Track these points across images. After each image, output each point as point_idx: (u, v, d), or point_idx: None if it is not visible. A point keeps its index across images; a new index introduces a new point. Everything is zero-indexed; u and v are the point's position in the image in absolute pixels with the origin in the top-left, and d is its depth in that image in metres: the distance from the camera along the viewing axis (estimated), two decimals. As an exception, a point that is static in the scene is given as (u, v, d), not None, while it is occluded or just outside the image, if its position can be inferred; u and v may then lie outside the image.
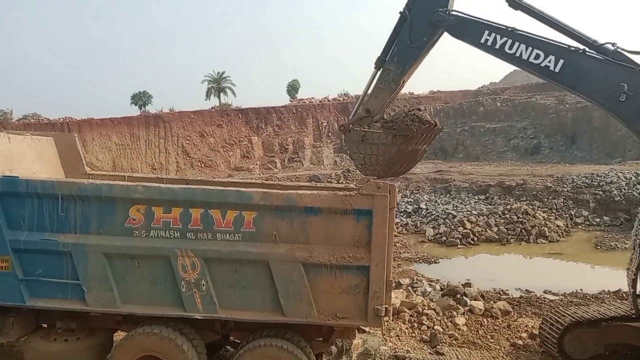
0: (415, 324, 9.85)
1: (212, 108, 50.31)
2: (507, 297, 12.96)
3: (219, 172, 41.97)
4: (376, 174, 7.52)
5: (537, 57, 7.03)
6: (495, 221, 22.88)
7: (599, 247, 20.46)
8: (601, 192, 25.30)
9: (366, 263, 5.70)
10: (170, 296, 5.88)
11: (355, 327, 6.88)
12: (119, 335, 6.85)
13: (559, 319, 8.31)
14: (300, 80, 58.34)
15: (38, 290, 5.98)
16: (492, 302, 11.67)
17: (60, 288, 5.94)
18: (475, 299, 11.48)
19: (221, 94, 57.73)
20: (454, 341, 9.24)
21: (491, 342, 9.24)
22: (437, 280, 14.68)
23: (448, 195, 30.45)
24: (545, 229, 22.06)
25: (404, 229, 24.15)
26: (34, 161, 7.47)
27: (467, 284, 12.86)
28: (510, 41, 7.14)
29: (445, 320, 10.09)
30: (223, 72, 57.82)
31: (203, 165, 43.42)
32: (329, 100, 50.50)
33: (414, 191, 32.00)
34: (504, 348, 9.02)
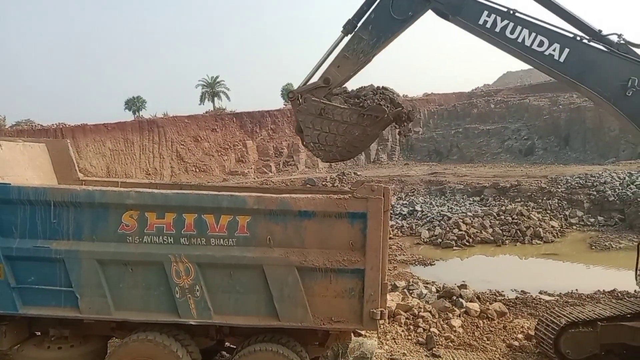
0: (412, 327, 9.84)
1: (206, 112, 50.25)
2: (502, 298, 12.98)
3: (214, 176, 41.90)
4: (329, 157, 7.01)
5: (540, 44, 6.60)
6: (490, 222, 22.93)
7: (593, 247, 20.54)
8: (595, 193, 25.42)
9: (361, 266, 5.68)
10: (164, 302, 5.84)
11: (351, 331, 6.86)
12: (113, 343, 6.80)
13: (554, 320, 8.32)
14: (295, 84, 58.27)
15: (31, 297, 5.92)
16: (487, 303, 11.68)
17: (53, 295, 5.88)
18: (471, 301, 11.48)
19: (215, 99, 57.75)
20: (450, 343, 9.23)
21: (487, 344, 9.24)
22: (432, 282, 14.68)
23: (443, 197, 30.52)
24: (540, 229, 22.14)
25: (399, 231, 24.17)
26: (26, 168, 7.42)
27: (463, 286, 12.86)
28: (512, 24, 6.65)
29: (441, 322, 10.08)
30: (217, 77, 57.83)
31: (198, 170, 43.32)
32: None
33: (409, 193, 32.05)
34: (500, 349, 9.02)
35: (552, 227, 22.98)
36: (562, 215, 24.67)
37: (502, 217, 23.38)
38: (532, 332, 9.21)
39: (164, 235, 5.73)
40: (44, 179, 7.70)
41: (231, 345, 7.01)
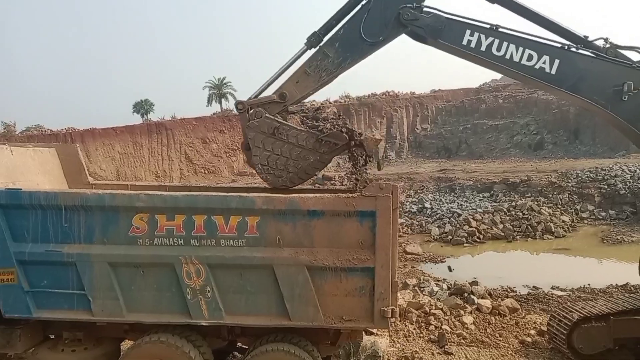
0: (423, 324, 9.82)
1: (213, 114, 50.38)
2: (514, 294, 12.91)
3: (223, 177, 42.03)
4: (278, 183, 6.52)
5: (530, 58, 6.34)
6: (501, 218, 22.84)
7: (605, 241, 20.39)
8: (606, 186, 25.24)
9: (371, 265, 5.67)
10: (176, 303, 5.87)
11: (362, 330, 6.85)
12: (126, 344, 6.85)
13: (567, 315, 8.27)
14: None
15: (44, 301, 5.97)
16: (499, 299, 11.63)
17: (66, 299, 5.93)
18: (482, 297, 11.44)
19: (222, 100, 57.90)
20: (462, 340, 9.21)
21: (500, 340, 9.20)
22: (444, 279, 14.66)
23: (452, 193, 30.43)
24: (551, 224, 22.01)
25: (409, 229, 24.12)
26: (36, 173, 7.48)
27: (474, 283, 12.84)
28: (497, 41, 6.34)
29: (453, 319, 10.05)
30: (224, 78, 57.96)
31: (206, 172, 43.47)
32: (330, 103, 50.45)
33: (418, 191, 31.98)
34: (513, 346, 8.98)
35: (563, 221, 22.84)
36: (573, 210, 24.52)
37: (513, 212, 23.28)
38: (544, 328, 9.16)
39: (174, 237, 5.76)
40: (55, 184, 7.76)
41: (243, 346, 7.04)
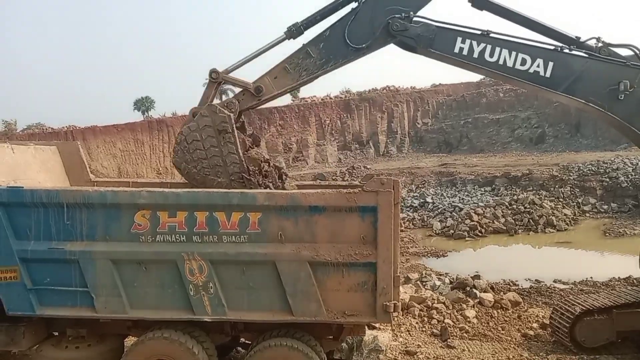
0: (426, 319, 9.84)
1: (214, 110, 50.31)
2: (516, 287, 12.93)
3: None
4: (189, 176, 6.49)
5: (523, 62, 6.24)
6: (503, 212, 22.82)
7: (607, 234, 20.38)
8: (608, 179, 25.20)
9: (373, 260, 5.68)
10: (178, 300, 5.89)
11: (365, 324, 6.87)
12: (129, 341, 6.88)
13: (569, 308, 8.29)
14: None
15: (47, 299, 6.00)
16: (501, 293, 11.64)
17: (69, 296, 5.95)
18: (484, 291, 11.45)
19: (223, 96, 57.70)
20: (464, 334, 9.22)
21: (502, 334, 9.22)
22: (446, 273, 14.67)
23: (454, 188, 30.42)
24: (553, 218, 21.99)
25: (411, 224, 24.12)
26: (38, 171, 7.49)
27: (476, 276, 12.84)
28: (489, 47, 6.25)
29: (455, 313, 10.07)
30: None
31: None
32: (330, 98, 50.42)
33: (420, 185, 31.98)
34: (515, 339, 8.99)
35: (565, 215, 22.82)
36: (574, 203, 24.49)
37: (514, 206, 23.26)
38: (547, 321, 9.17)
39: (176, 234, 5.77)
40: (56, 181, 7.78)
41: (246, 341, 7.06)
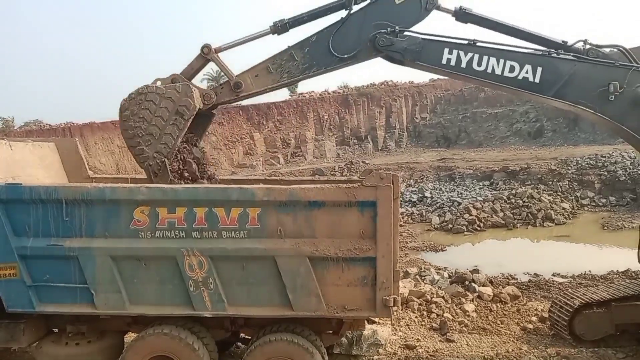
0: (425, 313, 9.87)
1: (212, 106, 50.25)
2: (515, 281, 12.97)
3: (223, 170, 41.95)
4: (124, 124, 6.37)
5: (512, 69, 6.23)
6: (501, 206, 22.85)
7: (606, 227, 20.42)
8: (606, 173, 25.23)
9: (372, 254, 5.69)
10: (178, 296, 5.90)
11: (365, 319, 6.90)
12: (129, 337, 6.88)
13: (568, 302, 8.31)
14: (293, 81, 58.23)
15: (47, 295, 6.00)
16: (500, 287, 11.68)
17: (68, 292, 5.96)
18: (483, 285, 11.49)
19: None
20: (464, 328, 9.25)
21: (501, 327, 9.24)
22: (445, 268, 14.71)
23: (452, 182, 30.44)
24: (552, 212, 22.03)
25: (409, 218, 24.15)
26: (36, 167, 7.48)
27: (475, 270, 12.89)
28: (477, 56, 6.25)
29: (455, 307, 10.09)
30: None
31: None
32: (329, 93, 50.31)
33: (418, 180, 31.99)
34: (514, 333, 9.02)
35: (564, 209, 22.86)
36: (573, 197, 24.53)
37: (513, 200, 23.29)
38: (545, 315, 9.20)
39: (175, 230, 5.77)
40: (55, 178, 7.77)
41: (246, 337, 7.08)
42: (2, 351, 6.74)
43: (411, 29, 6.47)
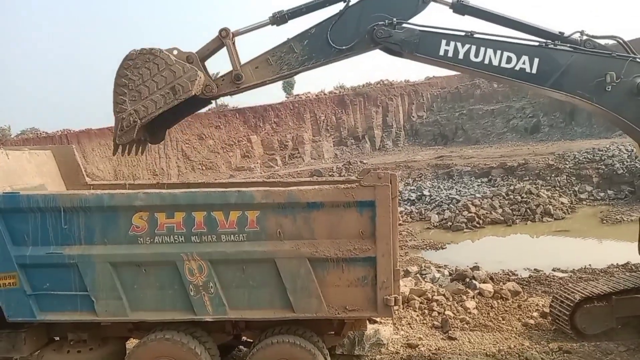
0: (426, 311, 9.87)
1: (209, 110, 50.05)
2: (516, 277, 12.95)
3: (221, 173, 41.98)
4: (119, 74, 6.40)
5: (509, 60, 6.29)
6: (500, 203, 22.84)
7: (604, 221, 20.42)
8: (604, 166, 25.23)
9: (372, 254, 5.69)
10: (179, 301, 5.89)
11: (366, 319, 6.89)
12: (131, 343, 6.88)
13: (569, 296, 8.32)
14: (295, 77, 58.36)
15: (47, 304, 5.99)
16: (501, 283, 11.67)
17: (69, 300, 5.95)
18: (484, 282, 11.49)
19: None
20: (465, 325, 9.26)
21: (503, 324, 9.25)
22: (445, 265, 14.69)
23: (450, 180, 30.42)
24: (550, 207, 22.01)
25: (408, 217, 24.15)
26: (33, 176, 7.46)
27: (476, 267, 12.89)
28: (474, 48, 6.30)
29: (456, 305, 10.10)
30: (217, 73, 56.88)
31: (204, 168, 43.40)
32: (325, 94, 50.32)
33: (416, 179, 31.98)
34: (516, 328, 9.03)
35: (562, 203, 22.85)
36: (571, 191, 24.52)
37: (511, 196, 23.27)
38: (547, 310, 9.21)
39: (174, 235, 5.77)
40: (52, 186, 7.75)
41: (248, 339, 7.07)
42: (4, 361, 6.73)
43: (410, 21, 6.51)
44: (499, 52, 6.31)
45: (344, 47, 6.51)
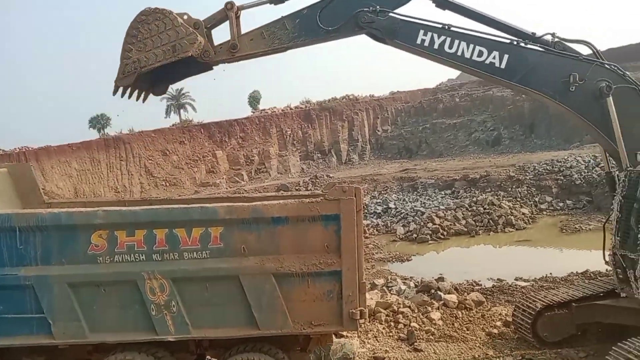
0: (392, 323, 9.91)
1: (172, 125, 49.62)
2: (479, 287, 13.17)
3: (185, 189, 41.38)
4: (133, 24, 6.96)
5: (480, 54, 6.69)
6: (463, 214, 23.20)
7: (564, 230, 20.97)
8: (562, 177, 25.95)
9: (337, 268, 5.70)
10: (140, 320, 5.76)
11: (332, 333, 6.86)
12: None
13: (530, 305, 8.48)
14: (261, 91, 58.28)
15: (1, 328, 5.76)
16: (465, 294, 11.83)
17: (24, 323, 5.75)
18: (449, 293, 11.62)
19: (181, 111, 57.13)
20: (430, 336, 9.33)
21: (467, 334, 9.36)
22: (411, 277, 14.79)
23: (415, 192, 30.76)
24: (512, 217, 22.49)
25: (375, 230, 24.28)
26: (-13, 195, 7.21)
27: (440, 279, 13.02)
28: (449, 40, 6.74)
29: (421, 316, 10.18)
30: (181, 89, 56.88)
31: (168, 184, 42.71)
32: (291, 109, 50.44)
33: (382, 192, 32.22)
34: (480, 338, 9.15)
35: (523, 214, 23.38)
36: (532, 202, 25.10)
37: (474, 208, 23.68)
38: (510, 319, 9.36)
39: (135, 253, 5.66)
40: (8, 205, 7.49)
41: (212, 358, 6.94)
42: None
43: (395, 11, 6.92)
44: (471, 45, 6.72)
45: (330, 29, 6.96)
